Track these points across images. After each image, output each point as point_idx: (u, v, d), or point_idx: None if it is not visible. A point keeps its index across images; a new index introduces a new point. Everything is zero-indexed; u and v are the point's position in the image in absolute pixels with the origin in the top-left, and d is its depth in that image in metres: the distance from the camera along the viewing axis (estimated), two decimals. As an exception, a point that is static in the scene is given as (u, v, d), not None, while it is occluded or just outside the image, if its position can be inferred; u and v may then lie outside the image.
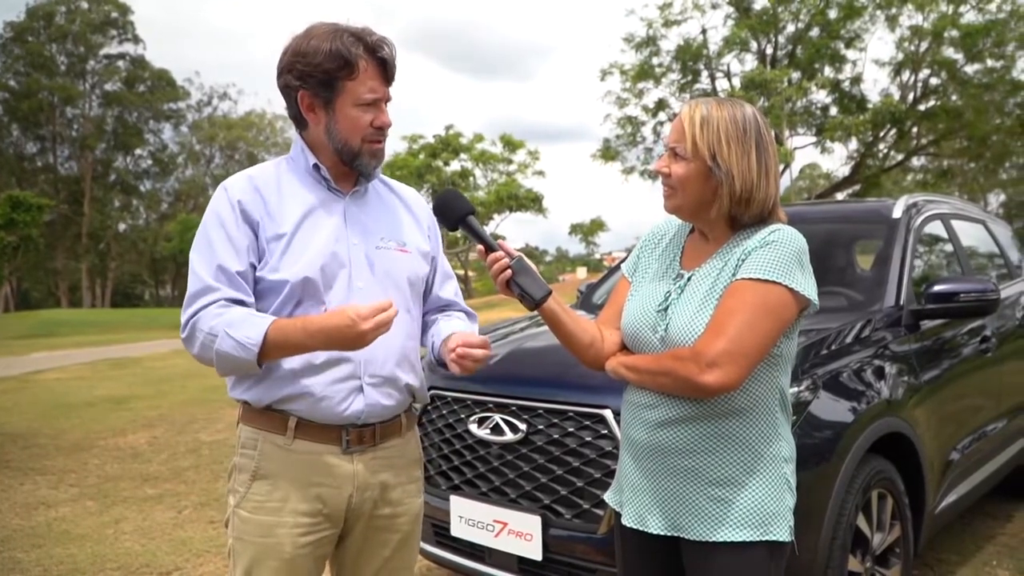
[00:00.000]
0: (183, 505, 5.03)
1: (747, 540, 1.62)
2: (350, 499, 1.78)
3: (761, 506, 1.63)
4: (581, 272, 57.30)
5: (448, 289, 2.03)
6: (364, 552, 1.88)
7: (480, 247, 1.72)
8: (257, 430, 1.77)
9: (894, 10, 22.97)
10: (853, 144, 25.05)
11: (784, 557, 1.69)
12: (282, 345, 1.63)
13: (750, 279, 1.59)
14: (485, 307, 24.57)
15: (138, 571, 3.90)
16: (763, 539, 1.62)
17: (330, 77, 1.70)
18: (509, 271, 1.67)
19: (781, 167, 24.15)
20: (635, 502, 1.75)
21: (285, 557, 1.73)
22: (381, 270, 1.82)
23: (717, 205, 1.65)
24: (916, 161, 27.33)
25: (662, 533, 1.69)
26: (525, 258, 1.71)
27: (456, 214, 1.75)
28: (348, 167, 1.81)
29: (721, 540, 1.63)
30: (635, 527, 1.74)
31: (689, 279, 1.73)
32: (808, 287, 1.62)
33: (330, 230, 1.78)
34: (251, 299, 1.72)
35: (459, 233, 1.81)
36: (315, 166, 1.81)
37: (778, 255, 1.59)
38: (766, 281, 1.57)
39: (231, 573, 1.80)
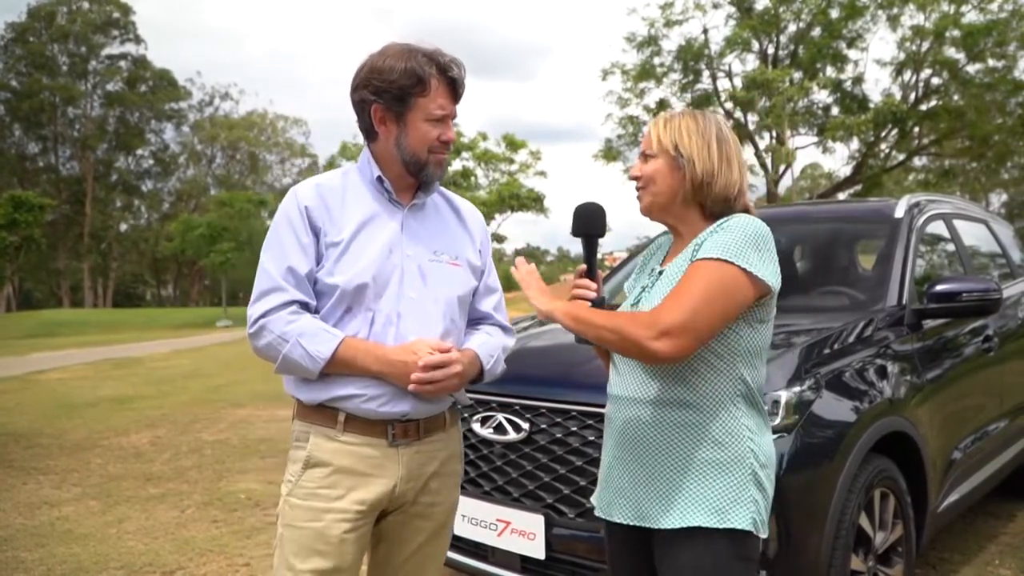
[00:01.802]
0: (186, 505, 5.03)
1: (703, 526, 1.64)
2: (394, 490, 1.85)
3: (719, 494, 1.65)
4: (582, 272, 57.17)
5: (488, 302, 2.07)
6: (399, 537, 1.95)
7: (583, 266, 1.83)
8: (309, 424, 1.86)
9: (896, 10, 22.98)
10: (855, 144, 25.08)
11: (751, 551, 1.70)
12: (348, 363, 1.79)
13: (705, 259, 1.65)
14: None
15: (141, 570, 3.91)
16: (721, 526, 1.64)
17: (404, 93, 1.81)
18: (588, 303, 1.77)
19: (782, 168, 24.31)
20: (606, 493, 1.83)
21: (332, 542, 1.79)
22: (432, 282, 1.90)
23: (682, 192, 1.76)
24: (918, 161, 27.33)
25: (626, 522, 1.75)
26: (606, 301, 1.81)
27: (590, 229, 1.84)
28: (414, 178, 1.91)
29: (678, 526, 1.66)
30: (603, 517, 1.82)
31: (661, 273, 1.81)
32: (763, 270, 1.65)
33: (386, 240, 1.87)
34: (314, 302, 1.84)
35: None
36: (378, 178, 1.90)
37: (731, 238, 1.65)
38: (720, 260, 1.63)
39: (277, 560, 1.86)
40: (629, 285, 2.01)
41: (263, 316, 1.79)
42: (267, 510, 4.84)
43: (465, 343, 1.97)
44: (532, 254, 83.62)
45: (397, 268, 1.86)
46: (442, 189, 2.07)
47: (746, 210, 1.78)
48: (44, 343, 22.42)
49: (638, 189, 1.82)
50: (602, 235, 1.85)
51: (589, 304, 1.77)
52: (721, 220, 1.72)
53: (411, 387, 1.78)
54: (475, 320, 2.06)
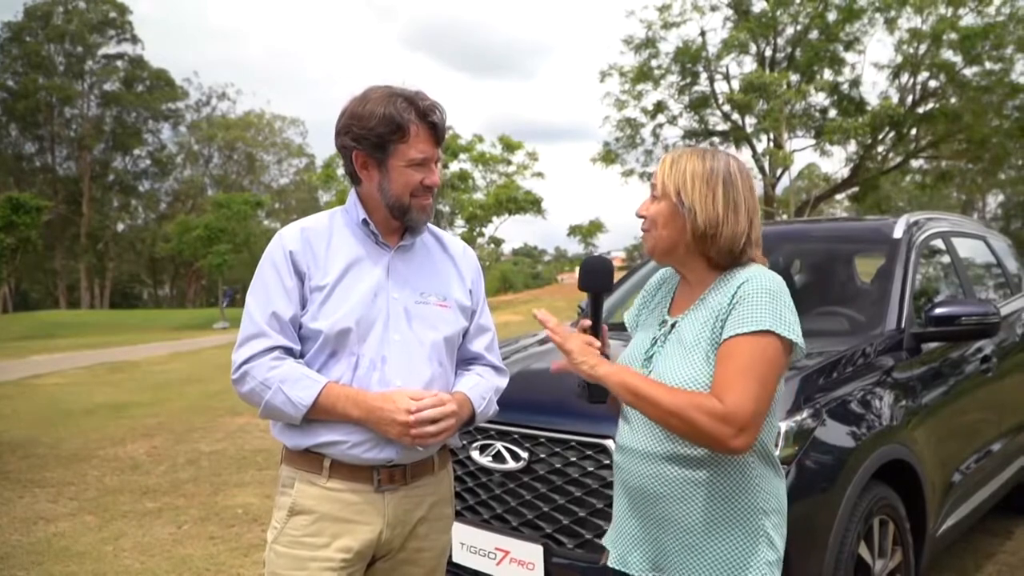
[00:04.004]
0: (182, 520, 5.02)
1: None
2: (380, 535, 1.84)
3: (730, 556, 1.63)
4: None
5: (479, 342, 2.05)
6: None
7: (587, 321, 1.76)
8: (295, 470, 1.86)
9: (893, 13, 22.98)
10: (852, 147, 25.10)
11: None
12: (329, 410, 1.78)
13: (743, 334, 1.58)
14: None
15: (138, 590, 3.90)
16: None
17: (383, 140, 1.81)
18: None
19: (779, 171, 24.32)
20: (620, 543, 1.80)
21: None
22: (418, 324, 1.88)
23: (684, 241, 1.70)
24: (915, 163, 27.36)
25: (641, 575, 1.72)
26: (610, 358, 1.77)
27: (597, 286, 1.78)
28: (399, 221, 1.90)
29: None
30: (617, 567, 1.78)
31: (673, 326, 1.75)
32: (795, 329, 1.61)
33: (371, 283, 1.86)
34: (298, 346, 1.84)
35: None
36: (364, 221, 1.89)
37: (758, 305, 1.60)
38: (759, 332, 1.57)
39: None
40: (632, 320, 1.95)
41: (246, 362, 1.79)
42: (264, 526, 4.83)
43: (456, 385, 1.96)
44: (530, 254, 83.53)
45: (382, 311, 1.84)
46: (433, 228, 2.05)
47: (752, 260, 1.71)
48: (41, 345, 22.33)
49: (643, 228, 1.77)
50: (609, 291, 1.80)
51: None
52: (734, 280, 1.66)
53: (414, 433, 1.75)
54: (467, 360, 2.04)
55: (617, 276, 2.35)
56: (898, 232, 3.67)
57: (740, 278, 1.65)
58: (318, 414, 1.77)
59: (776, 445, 2.38)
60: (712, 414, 1.54)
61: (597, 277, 1.78)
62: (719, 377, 1.58)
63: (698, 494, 1.64)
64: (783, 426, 2.47)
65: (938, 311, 3.26)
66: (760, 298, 1.60)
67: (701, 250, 1.70)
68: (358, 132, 1.80)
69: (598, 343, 1.73)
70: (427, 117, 1.82)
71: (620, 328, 2.17)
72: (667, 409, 1.57)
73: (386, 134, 1.79)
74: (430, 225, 2.02)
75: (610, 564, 1.81)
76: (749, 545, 1.64)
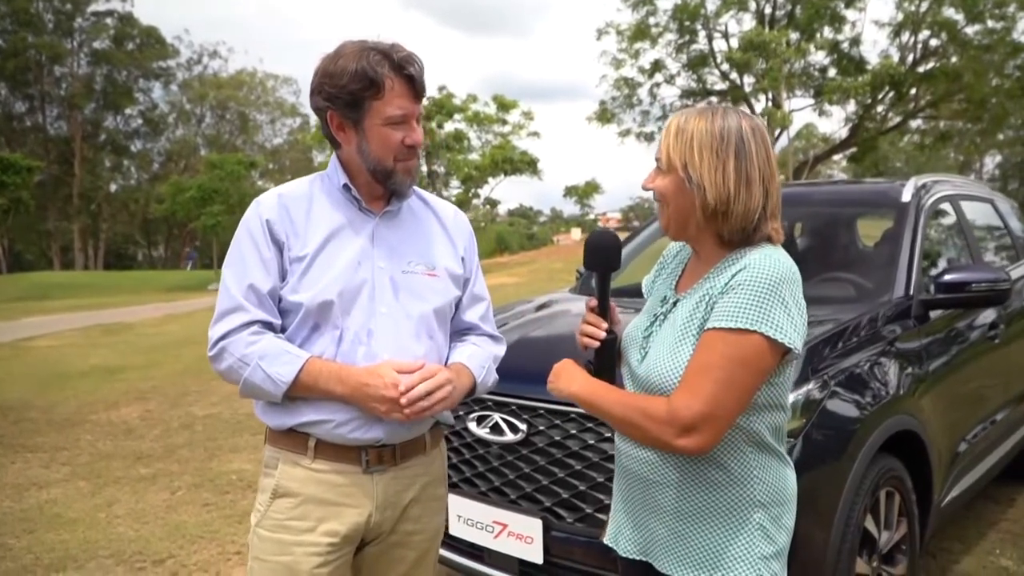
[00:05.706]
0: (176, 486, 4.97)
1: None
2: (369, 518, 1.75)
3: (718, 547, 1.53)
4: (576, 233, 57.11)
5: (473, 312, 1.95)
6: (379, 566, 1.86)
7: (595, 301, 1.68)
8: (279, 450, 1.77)
9: (896, -31, 22.63)
10: (851, 106, 24.87)
11: None
12: (311, 387, 1.67)
13: (721, 329, 1.44)
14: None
15: (131, 558, 3.85)
16: None
17: (356, 98, 1.67)
18: (598, 343, 1.64)
19: (777, 131, 24.10)
20: (614, 521, 1.75)
21: None
22: (406, 295, 1.77)
23: (694, 218, 1.54)
24: (913, 123, 27.15)
25: (629, 556, 1.68)
26: (619, 340, 1.70)
27: (604, 264, 1.68)
28: (383, 186, 1.77)
29: (671, 574, 1.57)
30: (610, 545, 1.74)
31: (674, 304, 1.63)
32: (789, 331, 1.43)
33: (354, 252, 1.74)
34: (278, 320, 1.73)
35: None
36: (345, 186, 1.77)
37: (748, 297, 1.43)
38: (737, 331, 1.42)
39: None
40: (647, 287, 1.84)
41: (223, 338, 1.69)
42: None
43: (452, 356, 1.86)
44: (525, 215, 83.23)
45: (367, 282, 1.73)
46: (421, 192, 1.92)
47: (769, 238, 1.55)
48: (35, 307, 22.23)
49: (656, 200, 1.61)
50: (616, 268, 1.70)
51: (599, 343, 1.63)
52: (736, 263, 1.50)
53: (407, 411, 1.65)
54: (461, 332, 1.94)
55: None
56: (907, 195, 3.56)
57: (741, 263, 1.49)
58: (300, 391, 1.67)
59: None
60: (654, 417, 1.46)
61: (604, 255, 1.67)
62: (685, 370, 1.48)
63: (687, 480, 1.55)
64: (790, 398, 2.37)
65: (948, 277, 3.17)
66: (752, 291, 1.43)
67: (712, 227, 1.54)
68: (330, 91, 1.67)
69: (605, 324, 1.65)
70: (403, 70, 1.67)
71: (629, 294, 2.06)
72: (619, 419, 1.54)
73: (359, 91, 1.64)
74: (417, 189, 1.90)
75: (605, 540, 1.77)
76: (736, 537, 1.53)
